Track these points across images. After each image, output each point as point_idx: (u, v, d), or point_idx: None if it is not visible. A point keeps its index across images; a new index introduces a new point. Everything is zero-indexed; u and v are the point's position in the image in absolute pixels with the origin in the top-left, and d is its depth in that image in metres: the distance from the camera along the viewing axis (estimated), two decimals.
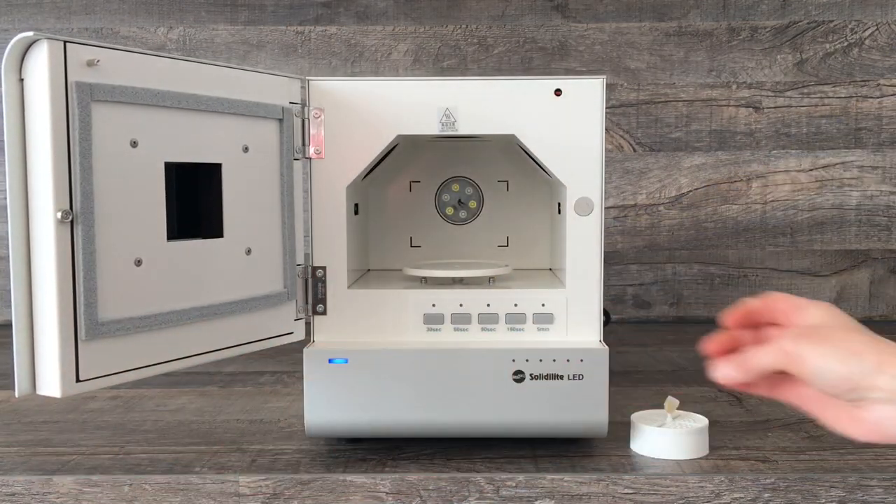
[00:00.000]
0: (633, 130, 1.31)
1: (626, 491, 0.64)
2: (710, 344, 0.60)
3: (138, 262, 0.60)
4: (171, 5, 1.29)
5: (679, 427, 0.69)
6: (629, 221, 1.32)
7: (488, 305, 0.72)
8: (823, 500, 0.64)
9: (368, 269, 0.90)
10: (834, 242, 1.32)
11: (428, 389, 0.68)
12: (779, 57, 1.29)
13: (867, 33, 1.29)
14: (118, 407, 0.85)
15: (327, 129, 0.71)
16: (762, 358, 0.54)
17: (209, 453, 0.70)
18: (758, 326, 0.60)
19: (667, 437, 0.68)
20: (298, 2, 1.29)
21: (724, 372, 0.56)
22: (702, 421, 0.71)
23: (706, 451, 0.69)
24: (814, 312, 0.56)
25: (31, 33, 0.52)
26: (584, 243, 0.71)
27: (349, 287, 0.73)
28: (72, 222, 0.55)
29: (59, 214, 0.54)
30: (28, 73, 0.54)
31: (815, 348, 0.52)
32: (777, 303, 0.59)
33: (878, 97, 1.30)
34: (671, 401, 0.72)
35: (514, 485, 0.65)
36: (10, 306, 1.31)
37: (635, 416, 0.71)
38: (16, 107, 0.54)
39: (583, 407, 0.68)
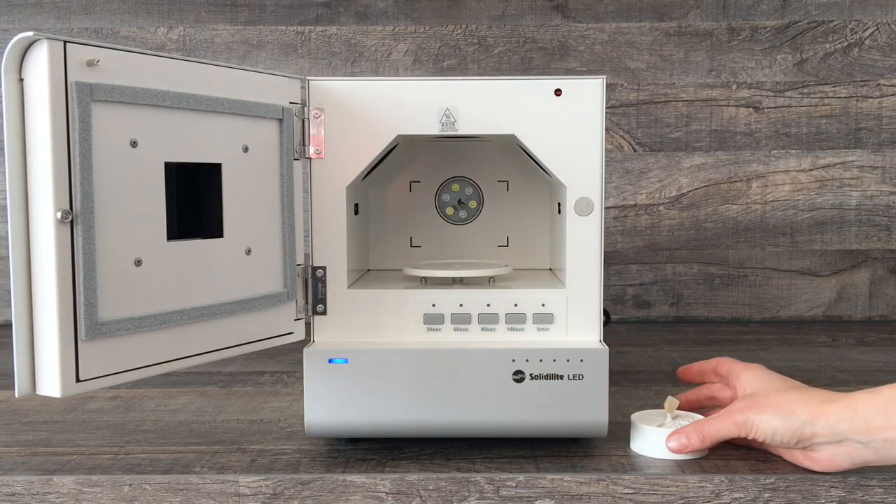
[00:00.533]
0: (633, 130, 1.31)
1: (626, 491, 0.64)
2: (683, 374, 0.78)
3: (138, 262, 0.60)
4: (171, 5, 1.29)
5: (679, 427, 0.69)
6: (629, 221, 1.32)
7: (488, 305, 0.72)
8: (823, 500, 0.64)
9: (368, 269, 0.90)
10: (834, 242, 1.32)
11: (428, 389, 0.68)
12: (779, 57, 1.29)
13: (867, 33, 1.29)
14: (118, 407, 0.85)
15: (327, 129, 0.71)
16: (718, 430, 0.66)
17: (209, 453, 0.70)
18: (706, 381, 0.77)
19: (666, 437, 0.68)
20: (298, 2, 1.29)
21: (682, 442, 0.67)
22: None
23: (705, 452, 0.69)
24: (748, 380, 0.70)
25: (30, 33, 0.52)
26: (584, 243, 0.71)
27: (349, 287, 0.73)
28: (72, 222, 0.55)
29: (59, 214, 0.54)
30: (28, 73, 0.54)
31: (758, 416, 0.64)
32: (721, 367, 0.75)
33: (878, 97, 1.30)
34: (671, 401, 0.72)
35: (514, 485, 0.65)
36: (10, 306, 1.31)
37: (635, 416, 0.71)
38: (16, 107, 0.54)
39: (583, 407, 0.68)
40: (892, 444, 0.60)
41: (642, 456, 0.69)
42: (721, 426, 0.66)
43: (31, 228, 0.55)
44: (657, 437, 0.68)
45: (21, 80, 0.54)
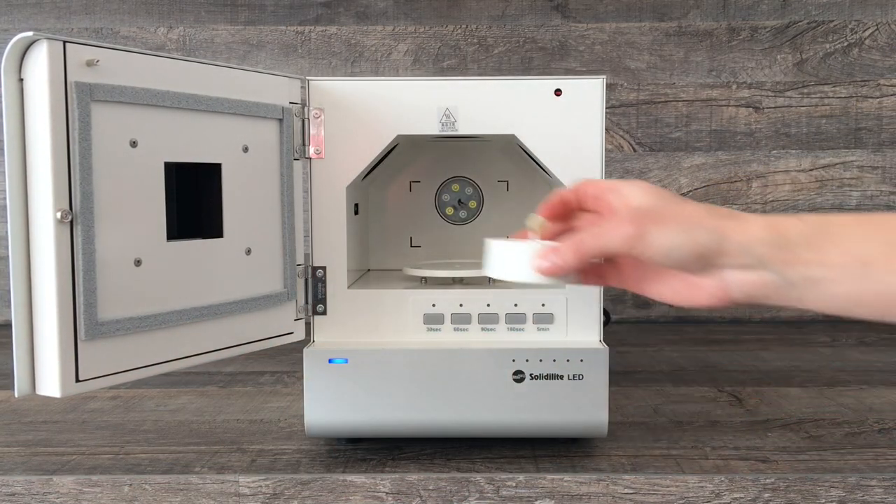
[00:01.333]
0: (633, 130, 1.31)
1: (626, 491, 0.64)
2: (543, 210, 0.57)
3: (138, 262, 0.60)
4: (171, 5, 1.29)
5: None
6: None
7: (488, 305, 0.72)
8: (823, 500, 0.64)
9: (368, 269, 0.90)
10: None
11: (428, 389, 0.68)
12: (779, 57, 1.29)
13: (867, 33, 1.29)
14: (118, 407, 0.85)
15: (327, 129, 0.71)
16: (599, 244, 0.52)
17: (209, 453, 0.70)
18: (571, 217, 0.58)
19: (517, 252, 0.57)
20: (298, 2, 1.29)
21: (553, 262, 0.53)
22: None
23: (579, 277, 0.60)
24: (632, 192, 0.53)
25: (30, 33, 0.52)
26: None
27: (349, 287, 0.73)
28: (71, 222, 0.55)
29: (58, 214, 0.54)
30: (28, 73, 0.54)
31: (657, 228, 0.50)
32: (588, 188, 0.56)
33: (878, 97, 1.30)
34: (534, 217, 0.60)
35: (514, 485, 0.65)
36: (10, 306, 1.31)
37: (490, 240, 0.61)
38: (15, 107, 0.54)
39: (583, 407, 0.68)
40: (808, 285, 0.49)
41: (500, 281, 0.61)
42: (604, 238, 0.52)
43: (30, 228, 0.55)
44: (520, 256, 0.57)
45: (21, 80, 0.54)
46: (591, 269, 0.57)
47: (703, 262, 0.51)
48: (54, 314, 0.54)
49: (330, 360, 0.68)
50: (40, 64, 0.53)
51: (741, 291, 0.51)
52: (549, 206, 0.58)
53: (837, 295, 0.49)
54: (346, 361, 0.68)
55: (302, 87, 0.71)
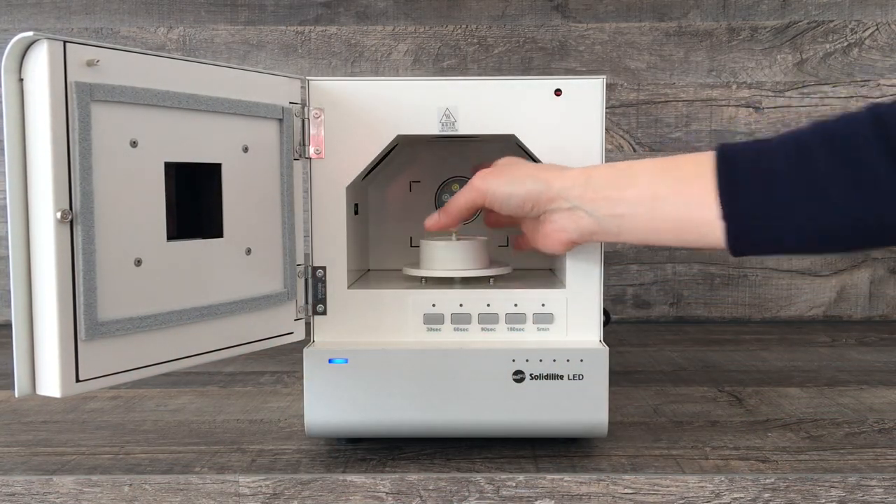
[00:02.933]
0: (633, 130, 1.31)
1: (626, 491, 0.64)
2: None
3: (138, 262, 0.60)
4: (171, 5, 1.29)
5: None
6: None
7: (488, 305, 0.72)
8: (823, 500, 0.64)
9: (368, 269, 0.90)
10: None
11: (428, 389, 0.68)
12: (779, 57, 1.29)
13: (867, 33, 1.29)
14: (118, 407, 0.85)
15: (327, 129, 0.71)
16: (459, 199, 0.67)
17: (209, 453, 0.70)
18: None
19: (449, 250, 0.76)
20: (298, 2, 1.29)
21: (432, 220, 0.70)
22: (482, 238, 0.79)
23: (487, 263, 0.78)
24: (498, 161, 0.69)
25: (30, 33, 0.52)
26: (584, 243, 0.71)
27: (349, 287, 0.73)
28: (71, 222, 0.55)
29: (58, 214, 0.54)
30: (28, 73, 0.54)
31: (496, 180, 0.65)
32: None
33: (878, 97, 1.30)
34: None
35: (514, 485, 0.65)
36: (10, 306, 1.31)
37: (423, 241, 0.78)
38: (15, 107, 0.54)
39: (583, 407, 0.68)
40: (616, 220, 0.60)
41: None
42: (461, 195, 0.67)
43: (30, 228, 0.55)
44: (441, 252, 0.76)
45: (21, 80, 0.54)
46: (517, 238, 0.74)
47: (535, 206, 0.63)
48: (54, 314, 0.54)
49: (330, 360, 0.68)
50: (40, 64, 0.53)
51: (571, 230, 0.63)
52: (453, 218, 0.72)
53: (639, 227, 0.60)
54: (346, 361, 0.68)
55: (302, 87, 0.72)
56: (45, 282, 0.54)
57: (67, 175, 0.54)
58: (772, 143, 0.56)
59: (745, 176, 0.55)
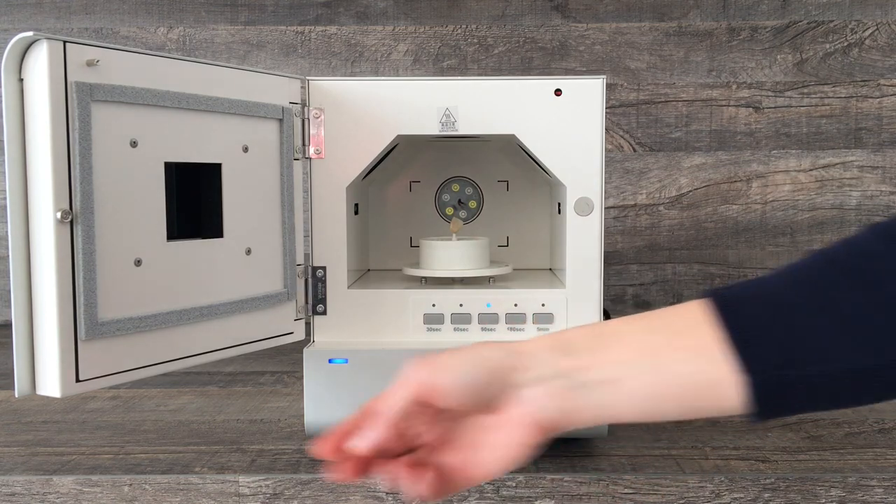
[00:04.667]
0: (633, 130, 1.31)
1: (626, 491, 0.64)
2: (324, 448, 0.49)
3: (138, 262, 0.60)
4: (171, 5, 1.29)
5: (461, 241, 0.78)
6: (629, 221, 1.32)
7: (488, 305, 0.72)
8: (823, 501, 0.64)
9: (368, 269, 0.90)
10: (834, 242, 1.32)
11: None
12: (779, 57, 1.29)
13: (867, 33, 1.29)
14: (118, 407, 0.85)
15: (327, 129, 0.71)
16: (392, 399, 0.48)
17: (209, 453, 0.70)
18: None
19: (449, 250, 0.76)
20: (298, 2, 1.29)
21: (360, 442, 0.48)
22: (482, 238, 0.80)
23: (487, 263, 0.78)
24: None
25: (30, 33, 0.52)
26: (584, 243, 0.71)
27: (349, 287, 0.73)
28: (71, 222, 0.55)
29: (58, 214, 0.54)
30: (28, 73, 0.54)
31: (447, 359, 0.48)
32: (373, 405, 0.51)
33: (878, 97, 1.30)
34: (456, 220, 0.81)
35: (514, 485, 0.65)
36: (10, 306, 1.31)
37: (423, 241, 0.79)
38: (15, 107, 0.54)
39: None
40: (604, 389, 0.46)
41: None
42: (394, 393, 0.49)
43: (31, 228, 0.55)
44: (442, 252, 0.77)
45: (21, 80, 0.54)
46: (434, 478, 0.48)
47: (498, 382, 0.47)
48: (54, 314, 0.54)
49: (330, 360, 0.68)
50: (40, 64, 0.53)
51: (544, 408, 0.46)
52: (331, 442, 0.50)
53: (636, 391, 0.45)
54: (346, 361, 0.68)
55: (302, 87, 0.72)
56: (45, 282, 0.54)
57: (67, 175, 0.54)
58: (768, 278, 0.46)
59: (754, 315, 0.44)
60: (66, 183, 0.54)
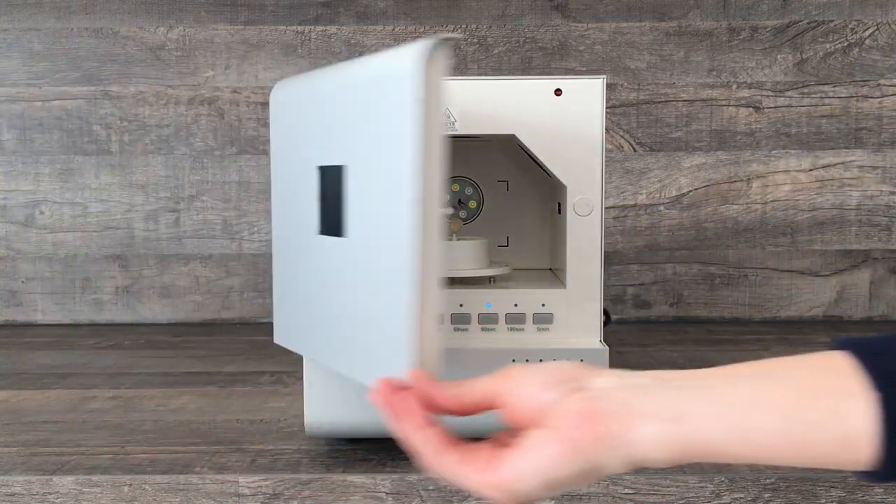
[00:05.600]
0: (633, 130, 1.31)
1: (626, 491, 0.64)
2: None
3: None
4: (170, 5, 1.29)
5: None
6: (629, 221, 1.32)
7: (488, 305, 0.72)
8: (823, 501, 0.64)
9: None
10: (834, 242, 1.32)
11: None
12: (779, 57, 1.29)
13: (867, 33, 1.29)
14: (118, 407, 0.85)
15: None
16: (462, 483, 0.47)
17: (209, 453, 0.70)
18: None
19: (449, 250, 0.76)
20: (298, 2, 1.29)
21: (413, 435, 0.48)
22: (482, 238, 0.80)
23: (487, 263, 0.78)
24: (523, 394, 0.47)
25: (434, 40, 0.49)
26: (584, 243, 0.71)
27: None
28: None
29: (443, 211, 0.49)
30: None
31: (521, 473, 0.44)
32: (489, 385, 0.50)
33: (878, 97, 1.30)
34: (456, 220, 0.82)
35: None
36: (9, 306, 1.31)
37: None
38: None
39: None
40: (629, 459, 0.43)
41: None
42: (464, 482, 0.47)
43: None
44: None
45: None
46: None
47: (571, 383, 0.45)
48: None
49: None
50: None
51: (649, 460, 0.43)
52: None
53: (755, 443, 0.42)
54: None
55: None
56: None
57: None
58: None
59: None
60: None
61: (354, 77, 0.56)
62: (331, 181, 0.57)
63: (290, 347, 0.68)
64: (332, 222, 0.57)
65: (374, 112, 0.53)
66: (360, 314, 0.54)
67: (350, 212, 0.55)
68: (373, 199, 0.53)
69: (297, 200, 0.63)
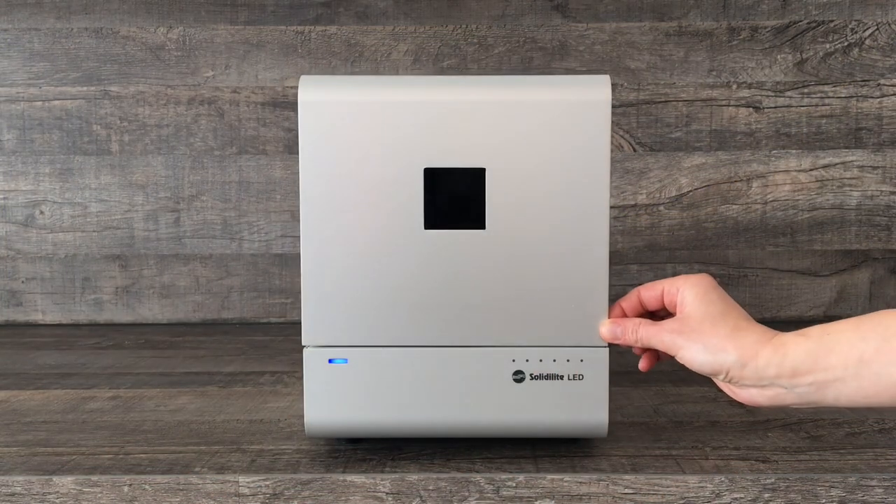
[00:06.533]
0: (633, 130, 1.31)
1: (626, 491, 0.64)
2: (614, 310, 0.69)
3: None
4: (170, 5, 1.29)
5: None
6: (629, 221, 1.32)
7: None
8: (823, 501, 0.64)
9: None
10: (834, 242, 1.32)
11: (428, 389, 0.68)
12: (779, 57, 1.29)
13: (867, 33, 1.29)
14: (118, 407, 0.85)
15: None
16: (650, 338, 0.65)
17: (209, 453, 0.70)
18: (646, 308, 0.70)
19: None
20: (298, 2, 1.29)
21: (612, 330, 0.67)
22: None
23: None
24: (688, 296, 0.65)
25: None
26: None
27: None
28: None
29: None
30: None
31: (686, 344, 0.63)
32: (662, 287, 0.68)
33: (878, 97, 1.30)
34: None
35: (514, 485, 0.65)
36: (9, 306, 1.31)
37: None
38: None
39: (583, 407, 0.68)
40: (815, 389, 0.59)
41: None
42: (654, 336, 0.65)
43: None
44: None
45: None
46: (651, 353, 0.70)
47: (725, 378, 0.62)
48: None
49: (330, 360, 0.68)
50: None
51: (764, 400, 0.62)
52: (629, 302, 0.69)
53: (845, 393, 0.58)
54: (346, 361, 0.68)
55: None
56: None
57: None
58: None
59: None
60: None
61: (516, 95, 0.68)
62: (458, 181, 0.68)
63: (386, 343, 0.68)
64: (468, 217, 0.68)
65: (546, 126, 0.67)
66: (536, 293, 0.68)
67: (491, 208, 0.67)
68: (525, 198, 0.67)
69: (385, 199, 0.67)
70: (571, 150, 0.67)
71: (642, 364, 0.69)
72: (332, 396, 0.68)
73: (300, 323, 0.69)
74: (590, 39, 1.30)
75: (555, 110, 0.67)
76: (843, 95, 1.30)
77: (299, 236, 0.69)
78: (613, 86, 1.30)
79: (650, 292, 0.68)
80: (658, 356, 0.69)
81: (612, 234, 1.31)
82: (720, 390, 0.65)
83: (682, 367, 1.01)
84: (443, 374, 0.68)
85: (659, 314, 0.70)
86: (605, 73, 1.29)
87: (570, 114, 0.67)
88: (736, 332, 0.62)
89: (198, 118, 1.30)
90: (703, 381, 0.93)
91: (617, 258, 1.32)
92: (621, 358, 1.05)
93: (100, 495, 0.65)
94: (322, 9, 1.29)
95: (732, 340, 0.61)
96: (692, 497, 0.64)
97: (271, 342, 1.15)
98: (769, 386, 0.60)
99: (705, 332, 0.62)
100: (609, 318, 0.67)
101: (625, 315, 0.69)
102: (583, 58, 1.30)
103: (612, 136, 1.31)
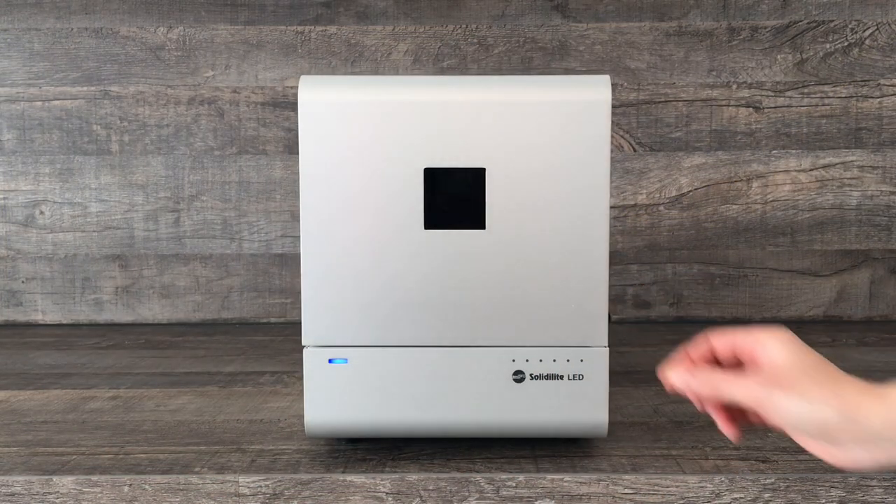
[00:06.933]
0: (633, 130, 1.31)
1: (626, 491, 0.64)
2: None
3: None
4: (170, 5, 1.29)
5: None
6: (629, 221, 1.32)
7: None
8: (823, 501, 0.64)
9: None
10: (834, 242, 1.32)
11: (428, 389, 0.68)
12: (779, 57, 1.29)
13: (867, 33, 1.29)
14: (118, 407, 0.85)
15: None
16: (733, 391, 0.56)
17: (209, 453, 0.70)
18: (717, 362, 0.61)
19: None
20: (298, 2, 1.29)
21: (684, 380, 0.60)
22: None
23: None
24: (774, 349, 0.58)
25: None
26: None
27: None
28: None
29: None
30: None
31: (784, 398, 0.55)
32: (736, 339, 0.60)
33: (878, 97, 1.30)
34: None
35: (514, 485, 0.65)
36: (9, 306, 1.31)
37: None
38: None
39: (583, 407, 0.68)
40: None
41: None
42: (741, 388, 0.56)
43: None
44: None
45: None
46: (725, 411, 0.60)
47: (823, 435, 0.54)
48: None
49: (330, 360, 0.68)
50: None
51: (868, 460, 0.53)
52: (697, 350, 0.63)
53: None
54: (346, 361, 0.68)
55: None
56: None
57: None
58: None
59: None
60: None
61: (512, 95, 0.68)
62: (458, 181, 0.68)
63: (394, 343, 0.68)
64: (468, 217, 0.68)
65: (546, 126, 0.67)
66: (536, 292, 0.68)
67: (492, 208, 0.67)
68: (525, 198, 0.67)
69: (385, 199, 0.67)
70: (571, 150, 0.67)
71: (733, 431, 0.60)
72: (332, 396, 0.68)
73: (300, 323, 0.69)
74: (590, 39, 1.30)
75: (555, 110, 0.67)
76: (843, 95, 1.30)
77: (299, 236, 0.69)
78: (613, 86, 1.30)
79: (722, 342, 0.61)
80: (734, 416, 0.60)
81: (612, 234, 1.31)
82: (819, 459, 0.57)
83: None
84: (443, 373, 0.68)
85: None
86: (605, 73, 1.29)
87: (570, 114, 0.67)
88: (835, 384, 0.56)
89: (198, 118, 1.30)
90: None
91: (617, 258, 1.32)
92: (621, 358, 1.05)
93: (100, 495, 0.65)
94: (322, 9, 1.29)
95: (832, 391, 0.55)
96: (692, 497, 0.64)
97: (271, 342, 1.15)
98: (874, 441, 0.52)
99: (803, 383, 0.56)
100: (675, 365, 0.61)
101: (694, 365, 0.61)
102: (583, 58, 1.30)
103: (612, 136, 1.30)
